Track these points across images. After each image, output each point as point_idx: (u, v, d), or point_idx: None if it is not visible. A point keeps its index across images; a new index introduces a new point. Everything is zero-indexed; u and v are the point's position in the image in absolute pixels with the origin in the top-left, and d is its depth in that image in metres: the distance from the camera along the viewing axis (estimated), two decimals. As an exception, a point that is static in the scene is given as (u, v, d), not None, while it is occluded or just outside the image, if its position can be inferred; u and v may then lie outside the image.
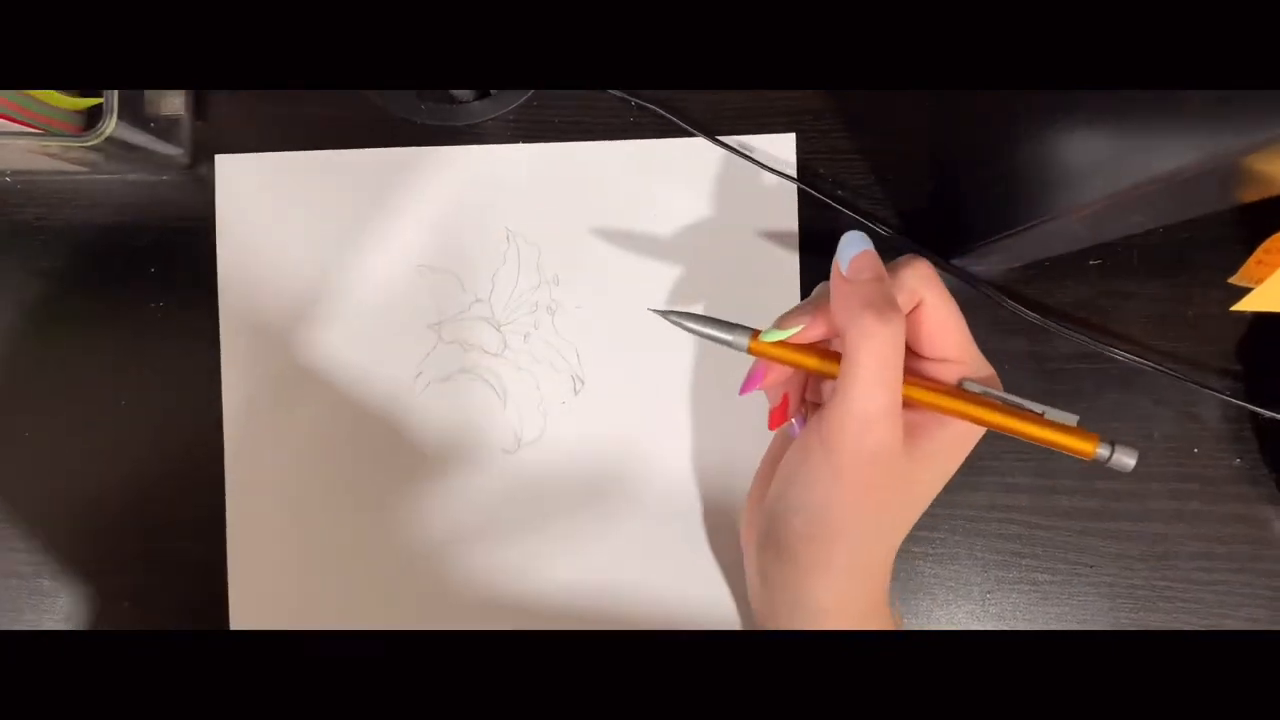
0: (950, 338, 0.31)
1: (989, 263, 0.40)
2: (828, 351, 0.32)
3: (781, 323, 0.32)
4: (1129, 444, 0.29)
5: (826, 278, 0.41)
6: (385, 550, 0.41)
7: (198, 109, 0.42)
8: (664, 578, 0.41)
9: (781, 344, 0.32)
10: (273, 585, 0.41)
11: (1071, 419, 0.29)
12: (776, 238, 0.41)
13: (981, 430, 0.31)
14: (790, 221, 0.41)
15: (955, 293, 0.41)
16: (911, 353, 0.32)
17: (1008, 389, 0.41)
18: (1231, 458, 0.41)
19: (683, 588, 0.41)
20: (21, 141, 0.36)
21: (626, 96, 0.41)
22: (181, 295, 0.42)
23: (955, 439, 0.31)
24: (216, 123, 0.42)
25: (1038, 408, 0.30)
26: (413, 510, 0.41)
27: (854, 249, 0.31)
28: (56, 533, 0.42)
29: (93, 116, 0.38)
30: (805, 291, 0.41)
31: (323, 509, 0.41)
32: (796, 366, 0.32)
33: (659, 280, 0.41)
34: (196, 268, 0.42)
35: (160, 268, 0.42)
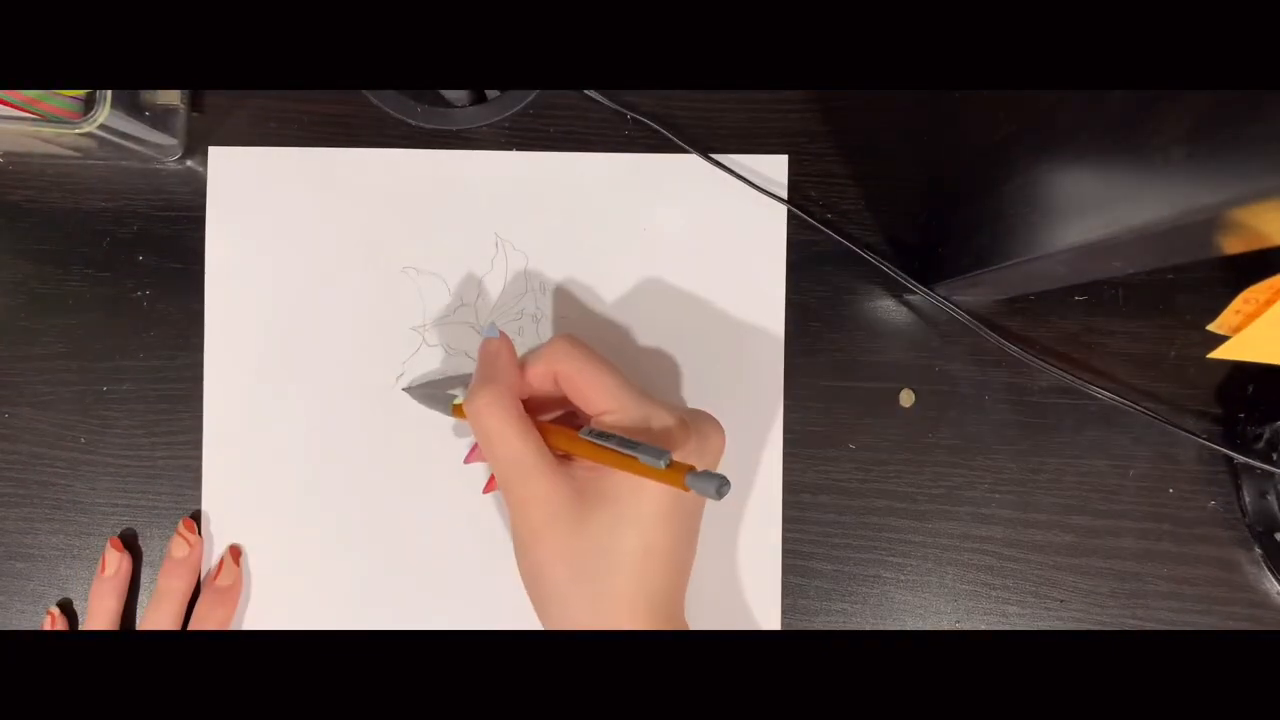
0: (591, 394, 0.34)
1: (974, 294, 0.40)
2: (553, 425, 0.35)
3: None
4: (713, 477, 0.29)
5: (814, 300, 0.42)
6: (361, 549, 0.41)
7: (194, 100, 0.42)
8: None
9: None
10: (249, 581, 0.41)
11: (660, 462, 0.30)
12: (764, 258, 0.41)
13: (652, 481, 0.32)
14: (779, 242, 0.41)
15: (939, 322, 0.41)
16: (579, 414, 0.36)
17: (988, 420, 0.41)
18: (1206, 500, 0.41)
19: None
20: (15, 125, 0.36)
21: (622, 110, 0.41)
22: (168, 285, 0.42)
23: (618, 484, 0.33)
24: (212, 115, 0.42)
25: (631, 451, 0.31)
26: (389, 510, 0.41)
27: (484, 335, 0.37)
28: (34, 521, 0.41)
29: (90, 101, 0.38)
30: (791, 312, 0.41)
31: (301, 505, 0.41)
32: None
33: (645, 294, 0.41)
34: (184, 258, 0.42)
35: (148, 256, 0.42)
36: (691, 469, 0.30)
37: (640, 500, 0.32)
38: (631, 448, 0.31)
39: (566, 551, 0.33)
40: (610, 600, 0.32)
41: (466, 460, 0.41)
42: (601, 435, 0.32)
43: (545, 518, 0.33)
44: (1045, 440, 0.42)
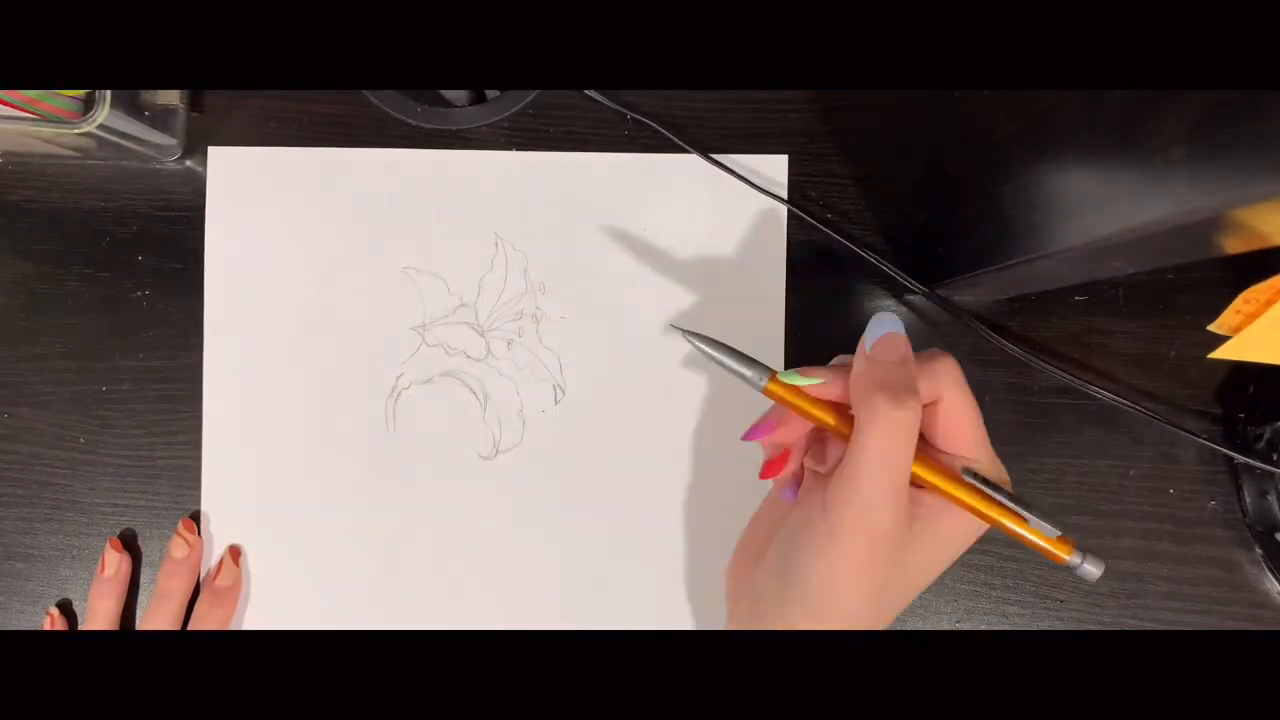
0: (965, 436, 0.31)
1: (974, 294, 0.40)
2: (844, 411, 0.32)
3: (803, 372, 0.32)
4: (1098, 555, 0.30)
5: (814, 300, 0.42)
6: (362, 549, 0.41)
7: (193, 101, 0.42)
8: (634, 590, 0.41)
9: (797, 391, 0.31)
10: (249, 581, 0.41)
11: (1054, 531, 0.30)
12: (764, 257, 0.41)
13: (983, 525, 0.31)
14: (779, 242, 0.41)
15: (939, 322, 0.41)
16: (926, 442, 0.32)
17: (988, 420, 0.41)
18: (1206, 500, 0.41)
19: (653, 599, 0.41)
20: (15, 125, 0.36)
21: (622, 110, 0.41)
22: (167, 285, 0.42)
23: (957, 527, 0.31)
24: (211, 115, 0.42)
25: (1025, 513, 0.30)
26: (389, 510, 0.41)
27: (882, 329, 0.31)
28: (34, 521, 0.41)
29: (90, 101, 0.38)
30: (790, 311, 0.41)
31: (301, 505, 0.41)
32: (808, 417, 0.32)
33: (645, 294, 0.41)
34: (184, 258, 0.42)
35: (147, 256, 0.42)
36: (1076, 543, 0.30)
37: (953, 547, 0.31)
38: (1027, 509, 0.30)
39: (871, 583, 0.30)
40: (886, 614, 0.32)
41: (764, 476, 0.35)
42: (995, 488, 0.31)
43: (871, 550, 0.30)
44: (1045, 440, 0.41)
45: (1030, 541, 0.30)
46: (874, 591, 0.30)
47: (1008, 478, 0.32)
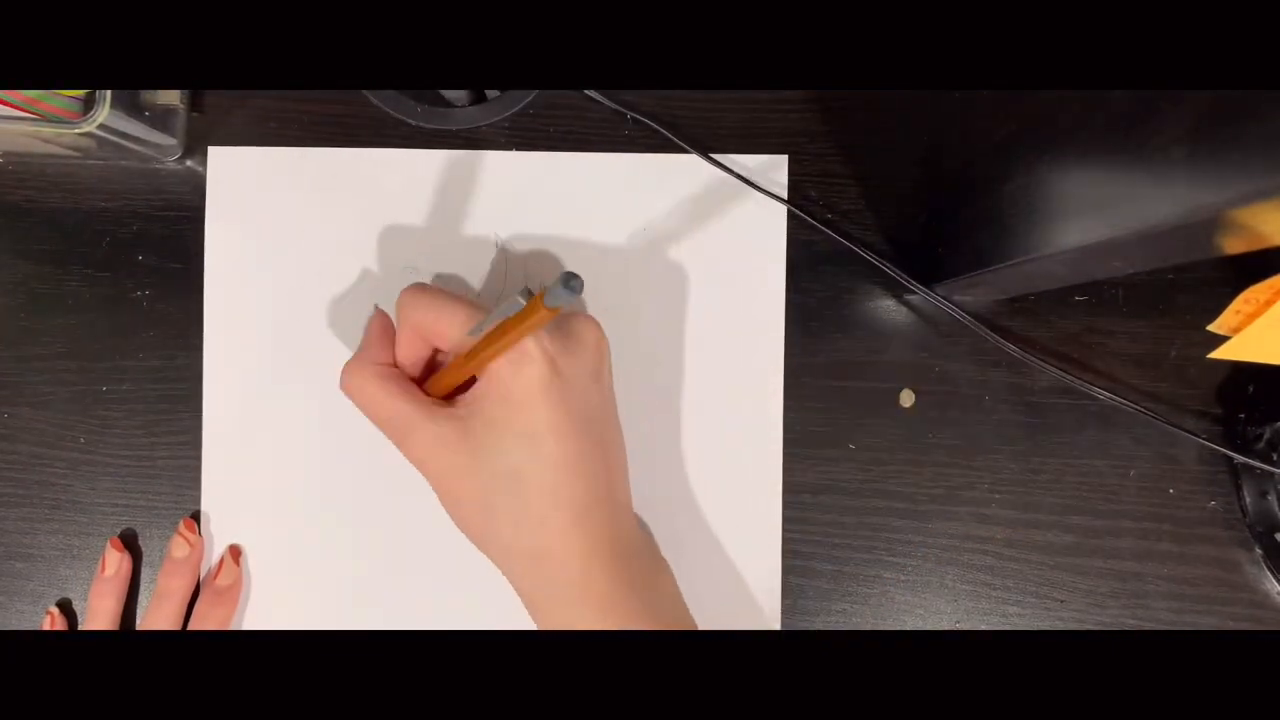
0: (443, 327, 0.34)
1: (974, 294, 0.40)
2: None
3: None
4: (559, 278, 0.27)
5: (814, 300, 0.42)
6: (362, 549, 0.41)
7: (193, 100, 0.42)
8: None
9: None
10: (249, 581, 0.41)
11: (520, 303, 0.29)
12: (764, 258, 0.41)
13: (528, 377, 0.32)
14: (779, 242, 0.41)
15: (939, 322, 0.41)
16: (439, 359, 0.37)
17: (988, 420, 0.41)
18: (1206, 500, 0.41)
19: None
20: (15, 125, 0.36)
21: (622, 110, 0.41)
22: (168, 285, 0.42)
23: (499, 395, 0.32)
24: (211, 115, 0.42)
25: (496, 315, 0.30)
26: (390, 510, 0.41)
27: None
28: (34, 521, 0.41)
29: (90, 101, 0.38)
30: (791, 312, 0.41)
31: (301, 505, 0.41)
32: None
33: (645, 294, 0.41)
34: (184, 259, 0.42)
35: (148, 256, 0.42)
36: (540, 292, 0.28)
37: (516, 416, 0.32)
38: (493, 315, 0.30)
39: (474, 486, 0.33)
40: (530, 520, 0.32)
41: None
42: (475, 328, 0.32)
43: (443, 462, 0.33)
44: (1045, 440, 0.42)
45: (526, 327, 0.29)
46: (485, 501, 0.33)
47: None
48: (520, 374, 0.32)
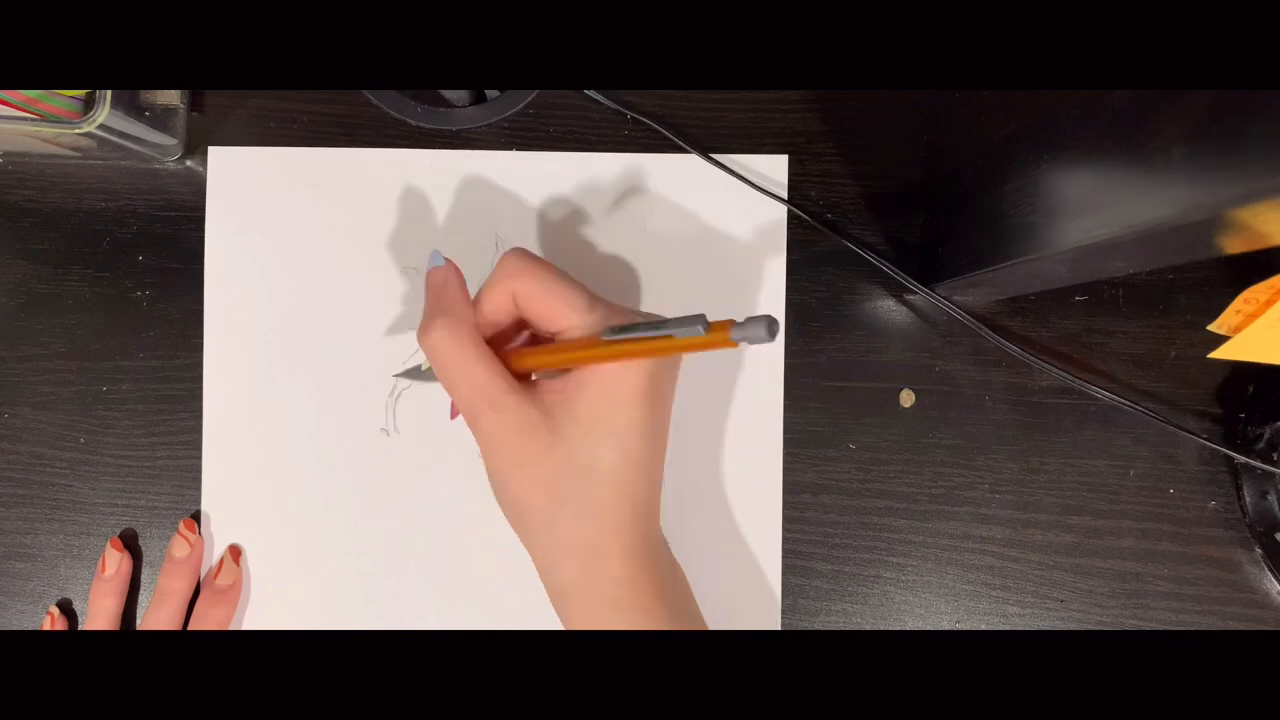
0: (555, 309, 0.33)
1: (974, 294, 0.40)
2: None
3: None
4: (756, 320, 0.27)
5: (813, 299, 0.42)
6: (362, 549, 0.41)
7: (193, 100, 0.42)
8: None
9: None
10: (249, 581, 0.41)
11: (698, 329, 0.28)
12: (764, 257, 0.41)
13: (631, 379, 0.31)
14: (779, 242, 0.41)
15: (939, 322, 0.41)
16: (543, 337, 0.35)
17: (988, 420, 0.41)
18: (1206, 500, 0.41)
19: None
20: (15, 125, 0.36)
21: (622, 110, 0.41)
22: (168, 285, 0.42)
23: (599, 392, 0.32)
24: (211, 115, 0.42)
25: (659, 331, 0.29)
26: (390, 510, 0.41)
27: (428, 266, 0.35)
28: (34, 521, 0.41)
29: (90, 101, 0.38)
30: (791, 311, 0.41)
31: (301, 505, 0.41)
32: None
33: (645, 293, 0.41)
34: (184, 258, 0.42)
35: (148, 256, 0.42)
36: (734, 323, 0.28)
37: (615, 411, 0.31)
38: (663, 327, 0.29)
39: (544, 475, 0.32)
40: (595, 514, 0.32)
41: (452, 416, 0.39)
42: (624, 329, 0.30)
43: (518, 444, 0.32)
44: (1045, 440, 0.42)
45: (692, 348, 0.29)
46: (553, 489, 0.32)
47: (629, 312, 0.33)
48: (628, 376, 0.31)
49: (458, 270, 0.35)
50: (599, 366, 0.31)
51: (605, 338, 0.31)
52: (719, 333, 0.28)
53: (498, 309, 0.34)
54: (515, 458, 0.32)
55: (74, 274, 0.42)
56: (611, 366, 0.31)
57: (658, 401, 0.32)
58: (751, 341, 0.27)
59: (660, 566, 0.34)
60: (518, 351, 0.34)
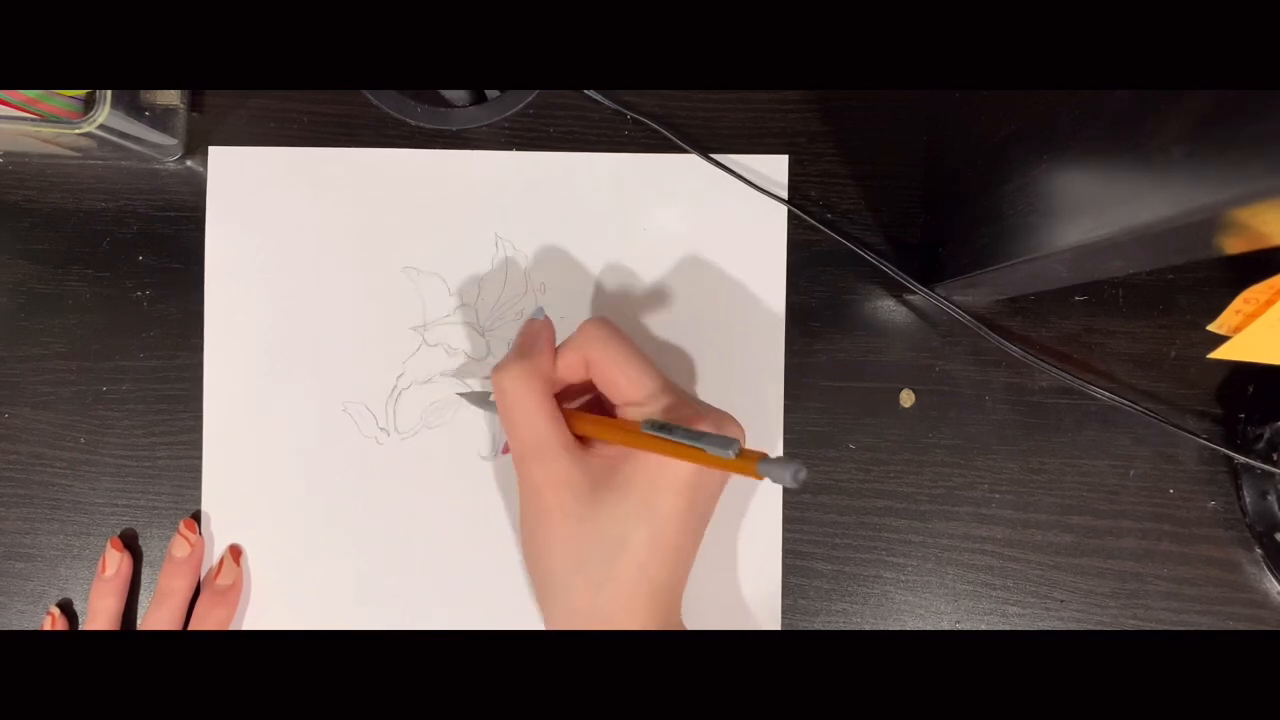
0: (621, 385, 0.34)
1: (974, 294, 0.40)
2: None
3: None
4: (788, 460, 0.28)
5: (813, 299, 0.42)
6: (362, 549, 0.41)
7: (193, 100, 0.42)
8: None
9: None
10: (249, 581, 0.41)
11: (728, 452, 0.29)
12: (764, 258, 0.41)
13: (681, 469, 0.32)
14: (779, 242, 0.41)
15: (939, 322, 0.41)
16: (605, 403, 0.36)
17: (988, 420, 0.41)
18: (1206, 500, 0.41)
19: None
20: (15, 125, 0.36)
21: (622, 110, 0.41)
22: (168, 285, 0.42)
23: (645, 471, 0.32)
24: (212, 115, 0.42)
25: (694, 442, 0.30)
26: (390, 510, 0.41)
27: (530, 315, 0.37)
28: (34, 521, 0.41)
29: (90, 101, 0.38)
30: (791, 312, 0.41)
31: (301, 505, 0.41)
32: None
33: (645, 294, 0.41)
34: (185, 258, 0.42)
35: (148, 256, 0.42)
36: (764, 456, 0.29)
37: (657, 494, 0.32)
38: (697, 439, 0.30)
39: (575, 535, 0.33)
40: (612, 589, 0.32)
41: (503, 453, 0.41)
42: (663, 427, 0.31)
43: (558, 500, 0.33)
44: (1045, 440, 0.42)
45: (716, 465, 0.30)
46: (579, 552, 0.32)
47: (698, 412, 0.33)
48: (679, 465, 0.32)
49: (551, 327, 0.36)
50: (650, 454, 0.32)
51: (645, 430, 0.32)
52: (746, 462, 0.29)
53: (570, 368, 0.35)
54: (553, 513, 0.33)
55: (74, 274, 0.42)
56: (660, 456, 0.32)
57: (700, 497, 0.33)
58: (775, 480, 0.28)
59: None
60: (579, 413, 0.35)
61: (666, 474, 0.32)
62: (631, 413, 0.34)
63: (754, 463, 0.29)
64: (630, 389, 0.34)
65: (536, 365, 0.34)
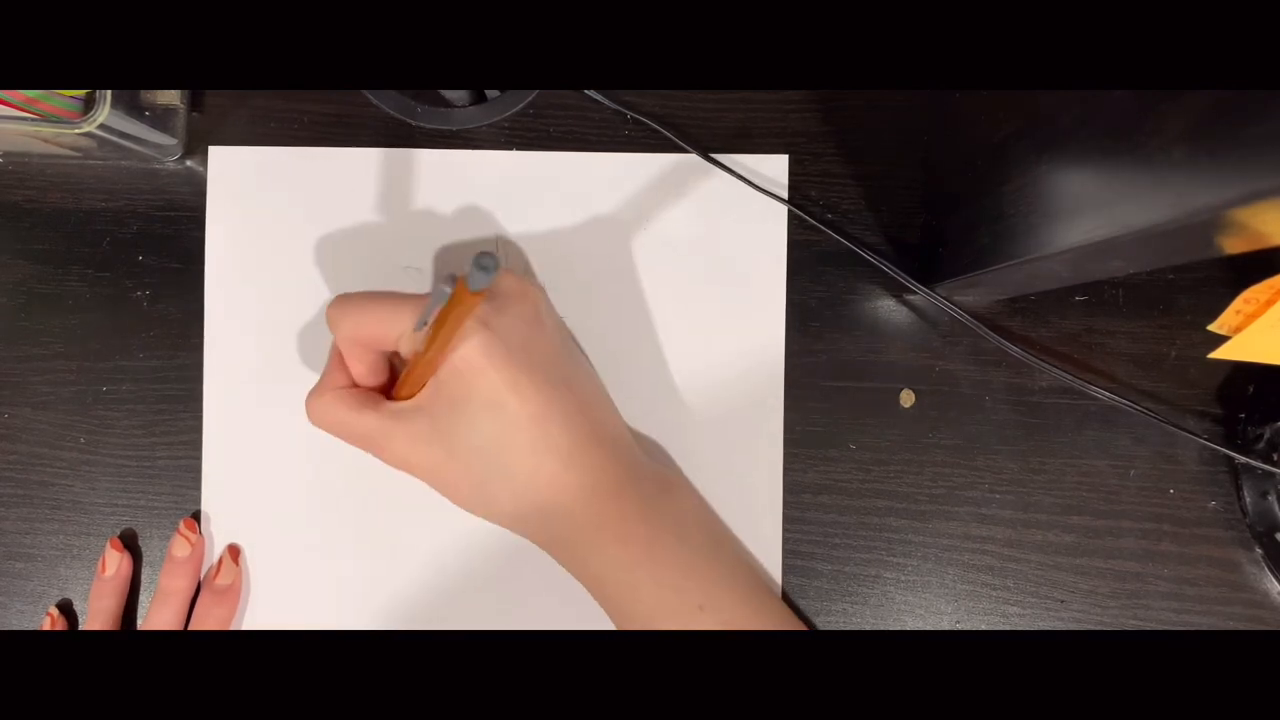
0: (377, 334, 0.34)
1: (974, 294, 0.40)
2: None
3: None
4: (475, 259, 0.26)
5: (813, 299, 0.42)
6: (362, 549, 0.41)
7: (193, 100, 0.42)
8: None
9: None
10: (249, 581, 0.41)
11: (447, 289, 0.28)
12: (764, 258, 0.41)
13: (470, 342, 0.32)
14: (779, 242, 0.41)
15: (939, 322, 0.41)
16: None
17: (988, 420, 0.41)
18: (1206, 500, 0.41)
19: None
20: (15, 125, 0.36)
21: (622, 110, 0.41)
22: (168, 285, 0.42)
23: (452, 373, 0.33)
24: (212, 114, 0.42)
25: (437, 304, 0.30)
26: (390, 510, 0.41)
27: None
28: (34, 521, 0.41)
29: (90, 101, 0.38)
30: (791, 312, 0.41)
31: (301, 505, 0.41)
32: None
33: (645, 292, 0.41)
34: (185, 258, 0.42)
35: (148, 256, 0.42)
36: (461, 276, 0.28)
37: (478, 386, 0.32)
38: (435, 303, 0.30)
39: (460, 471, 0.34)
40: (520, 482, 0.33)
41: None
42: (422, 320, 0.31)
43: (423, 457, 0.34)
44: (1045, 440, 0.41)
45: (458, 310, 0.29)
46: (474, 483, 0.34)
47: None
48: (460, 349, 0.32)
49: (334, 344, 0.36)
50: (444, 358, 0.33)
51: (416, 341, 0.32)
52: (460, 287, 0.28)
53: (358, 358, 0.35)
54: (429, 466, 0.34)
55: (74, 274, 0.42)
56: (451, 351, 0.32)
57: (510, 353, 0.33)
58: (478, 284, 0.27)
59: (631, 492, 0.35)
60: (398, 384, 0.36)
61: (461, 366, 0.32)
62: (404, 345, 0.34)
63: (464, 284, 0.28)
64: (385, 324, 0.33)
65: (324, 383, 0.35)
